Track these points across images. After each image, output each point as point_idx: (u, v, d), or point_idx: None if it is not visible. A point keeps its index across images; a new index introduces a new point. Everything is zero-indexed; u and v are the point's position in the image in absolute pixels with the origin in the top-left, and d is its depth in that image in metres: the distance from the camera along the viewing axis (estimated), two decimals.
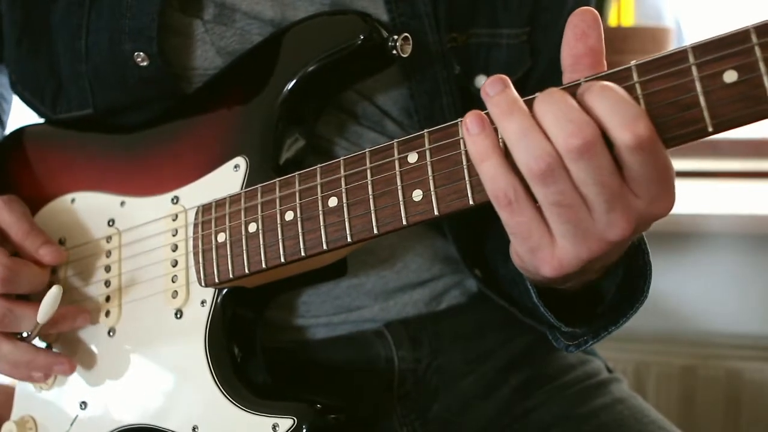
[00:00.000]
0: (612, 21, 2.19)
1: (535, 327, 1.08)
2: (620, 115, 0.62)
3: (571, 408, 1.06)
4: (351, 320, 1.04)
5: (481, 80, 1.03)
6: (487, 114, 0.68)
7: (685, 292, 2.03)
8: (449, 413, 1.06)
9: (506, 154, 0.67)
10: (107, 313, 0.98)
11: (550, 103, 0.65)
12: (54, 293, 0.90)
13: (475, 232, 1.06)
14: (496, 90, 0.67)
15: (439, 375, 1.07)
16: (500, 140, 0.68)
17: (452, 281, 1.10)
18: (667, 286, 2.03)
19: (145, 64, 0.96)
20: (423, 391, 1.06)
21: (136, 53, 0.96)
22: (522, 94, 0.98)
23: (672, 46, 2.04)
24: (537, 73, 1.07)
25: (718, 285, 2.03)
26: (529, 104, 0.66)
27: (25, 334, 0.96)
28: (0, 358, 0.95)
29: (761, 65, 0.60)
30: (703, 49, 0.62)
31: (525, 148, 0.65)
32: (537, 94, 0.66)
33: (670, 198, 0.66)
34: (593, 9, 0.68)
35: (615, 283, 0.82)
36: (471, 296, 1.11)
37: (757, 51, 0.60)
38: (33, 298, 0.96)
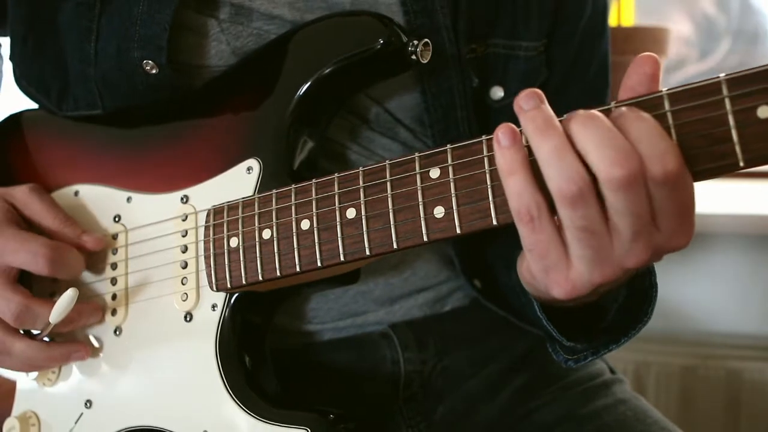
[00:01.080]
0: (612, 21, 2.18)
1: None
2: (651, 146, 0.62)
3: (573, 408, 1.06)
4: (357, 324, 1.04)
5: (497, 92, 1.03)
6: (519, 129, 0.68)
7: (685, 292, 2.04)
8: (454, 415, 1.06)
9: (534, 171, 0.66)
10: (113, 312, 0.97)
11: (591, 128, 0.63)
12: (70, 296, 0.89)
13: (475, 239, 1.05)
14: (530, 105, 0.66)
15: (445, 377, 1.07)
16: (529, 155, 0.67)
17: (456, 284, 1.10)
18: (667, 286, 2.02)
19: (154, 72, 0.94)
20: (428, 393, 1.06)
21: (144, 61, 0.94)
22: None
23: (672, 46, 2.03)
24: (553, 84, 1.06)
25: (718, 285, 2.03)
26: (563, 124, 0.65)
27: (35, 331, 0.95)
28: (13, 357, 0.94)
29: None
30: (736, 81, 0.61)
31: (558, 169, 0.64)
32: (571, 114, 0.65)
33: (688, 233, 0.66)
34: (654, 59, 0.66)
35: (617, 301, 0.83)
36: (475, 298, 1.11)
37: None
38: (35, 293, 0.96)
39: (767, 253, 2.00)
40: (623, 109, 0.64)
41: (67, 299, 0.89)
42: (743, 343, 2.00)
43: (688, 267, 2.02)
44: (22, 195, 0.96)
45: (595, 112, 0.64)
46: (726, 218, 1.90)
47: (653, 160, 0.61)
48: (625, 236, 0.65)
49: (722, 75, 0.61)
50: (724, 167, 0.62)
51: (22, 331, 0.95)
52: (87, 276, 0.99)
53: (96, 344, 0.99)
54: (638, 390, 1.25)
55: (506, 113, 1.01)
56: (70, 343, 0.97)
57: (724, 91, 0.61)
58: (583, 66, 1.08)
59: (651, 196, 0.63)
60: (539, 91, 0.66)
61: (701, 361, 1.99)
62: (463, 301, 1.11)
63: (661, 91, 0.64)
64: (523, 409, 1.07)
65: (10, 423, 1.01)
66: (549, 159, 0.64)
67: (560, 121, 0.66)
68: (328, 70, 0.89)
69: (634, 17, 2.25)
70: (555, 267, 0.68)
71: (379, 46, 0.87)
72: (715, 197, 1.99)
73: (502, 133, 0.67)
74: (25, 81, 1.09)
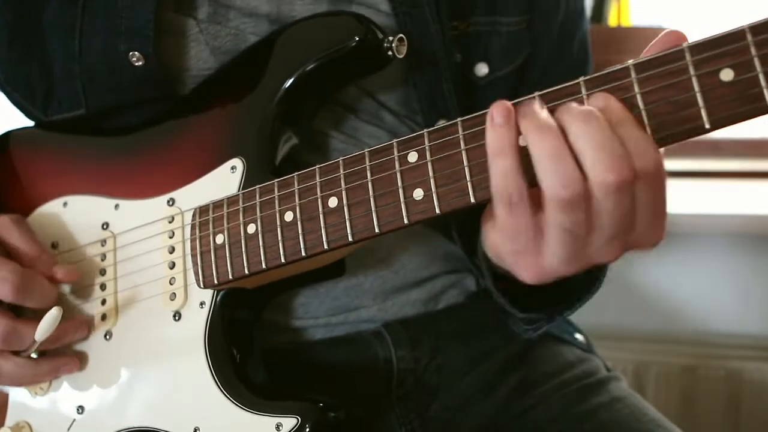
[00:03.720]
0: (612, 21, 2.20)
1: None
2: (638, 147, 0.64)
3: (569, 406, 1.06)
4: (349, 321, 1.04)
5: (481, 68, 1.03)
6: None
7: (685, 292, 2.04)
8: (448, 412, 1.06)
9: (522, 156, 0.67)
10: (103, 317, 0.98)
11: (594, 128, 0.64)
12: (54, 315, 0.90)
13: (476, 221, 1.06)
14: (502, 119, 0.67)
15: (439, 375, 1.07)
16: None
17: (450, 281, 1.10)
18: (667, 286, 2.03)
19: (140, 63, 0.96)
20: (422, 391, 1.06)
21: (131, 53, 0.95)
22: (524, 82, 0.97)
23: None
24: (539, 61, 1.07)
25: (718, 285, 2.03)
26: (560, 117, 0.66)
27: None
28: (3, 376, 0.95)
29: (757, 63, 0.61)
30: (699, 48, 0.63)
31: (556, 173, 0.64)
32: (567, 110, 0.66)
33: (659, 234, 0.68)
34: (680, 34, 0.67)
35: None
36: (469, 296, 1.12)
37: (753, 49, 0.61)
38: (26, 313, 0.96)
39: (767, 253, 2.00)
40: (605, 103, 0.65)
41: (50, 318, 0.90)
42: (743, 343, 1.99)
43: (688, 267, 2.02)
44: (2, 222, 0.97)
45: (593, 110, 0.65)
46: (726, 218, 1.90)
47: (639, 159, 0.63)
48: (604, 236, 0.66)
49: (685, 43, 0.63)
50: (690, 130, 0.63)
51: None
52: (76, 283, 1.00)
53: (86, 351, 0.99)
54: (638, 390, 1.25)
55: (492, 89, 1.03)
56: (58, 357, 0.98)
57: (687, 57, 0.63)
58: (567, 44, 1.09)
59: (636, 196, 0.64)
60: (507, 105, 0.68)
61: (701, 361, 1.99)
62: (457, 299, 1.11)
63: (627, 62, 0.65)
64: (518, 407, 1.06)
65: None
66: (547, 161, 0.65)
67: (554, 114, 0.67)
68: (308, 68, 0.91)
69: (633, 17, 2.27)
70: (524, 252, 0.70)
71: (354, 43, 0.89)
72: (715, 197, 2.00)
73: (496, 110, 0.68)
74: (10, 87, 1.10)
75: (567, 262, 0.68)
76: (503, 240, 0.71)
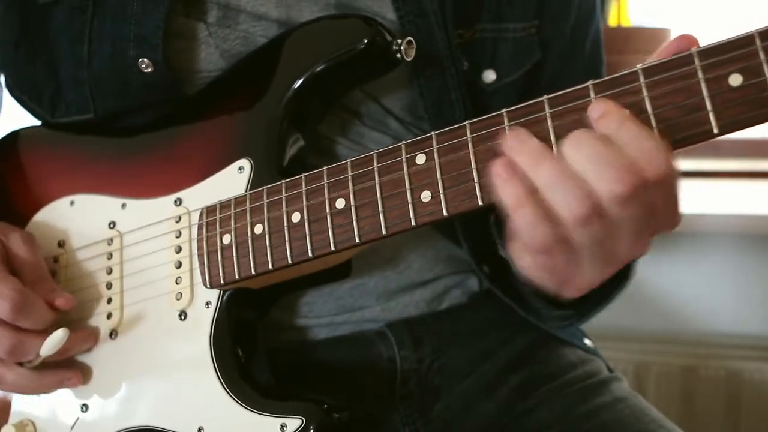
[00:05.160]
0: (612, 21, 2.20)
1: (536, 326, 1.09)
2: (641, 151, 0.64)
3: (571, 407, 1.06)
4: (353, 320, 1.05)
5: (488, 75, 1.04)
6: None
7: (685, 292, 2.04)
8: (451, 412, 1.06)
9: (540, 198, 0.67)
10: (109, 315, 0.98)
11: (585, 148, 0.65)
12: (59, 336, 0.89)
13: (483, 225, 1.07)
14: (518, 140, 0.69)
15: (441, 375, 1.07)
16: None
17: (453, 281, 1.11)
18: (667, 286, 2.04)
19: (149, 70, 0.96)
20: (425, 391, 1.06)
21: (140, 60, 0.96)
22: (533, 87, 0.96)
23: None
24: (549, 66, 1.06)
25: (718, 285, 2.03)
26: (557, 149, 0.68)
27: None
28: (5, 385, 0.95)
29: (765, 68, 0.61)
30: (708, 53, 0.63)
31: (563, 192, 0.65)
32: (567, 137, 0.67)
33: (677, 219, 0.70)
34: (692, 38, 0.67)
35: None
36: (472, 296, 1.12)
37: (762, 54, 0.61)
38: None
39: (767, 253, 2.01)
40: (603, 108, 0.66)
41: (56, 339, 0.90)
42: (743, 343, 2.00)
43: (688, 267, 2.02)
44: (14, 239, 0.96)
45: (582, 130, 0.66)
46: (726, 218, 1.91)
47: (647, 164, 0.64)
48: (630, 237, 0.67)
49: (694, 48, 0.63)
50: (699, 135, 0.64)
51: None
52: (82, 281, 1.00)
53: (91, 349, 0.99)
54: (638, 390, 1.26)
55: (500, 95, 1.04)
56: (62, 370, 0.98)
57: (696, 62, 0.63)
58: (579, 45, 1.09)
59: (650, 197, 0.65)
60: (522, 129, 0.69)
61: (701, 361, 1.99)
62: (460, 299, 1.11)
63: (636, 66, 0.65)
64: (520, 407, 1.07)
65: (7, 431, 1.02)
66: (551, 184, 0.66)
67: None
68: (317, 70, 0.91)
69: (632, 17, 2.27)
70: (569, 279, 0.71)
71: (363, 45, 0.89)
72: (715, 197, 2.00)
73: (500, 166, 0.69)
74: (17, 90, 1.11)
75: (605, 267, 0.70)
76: (549, 277, 0.72)
